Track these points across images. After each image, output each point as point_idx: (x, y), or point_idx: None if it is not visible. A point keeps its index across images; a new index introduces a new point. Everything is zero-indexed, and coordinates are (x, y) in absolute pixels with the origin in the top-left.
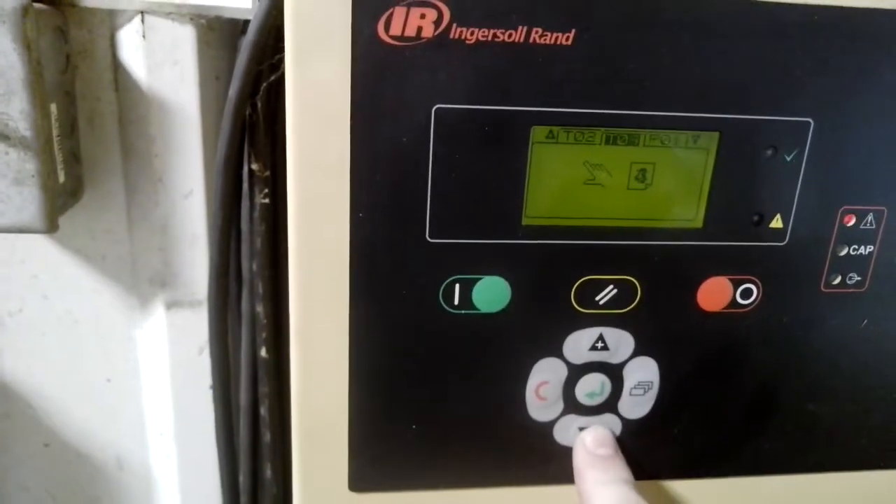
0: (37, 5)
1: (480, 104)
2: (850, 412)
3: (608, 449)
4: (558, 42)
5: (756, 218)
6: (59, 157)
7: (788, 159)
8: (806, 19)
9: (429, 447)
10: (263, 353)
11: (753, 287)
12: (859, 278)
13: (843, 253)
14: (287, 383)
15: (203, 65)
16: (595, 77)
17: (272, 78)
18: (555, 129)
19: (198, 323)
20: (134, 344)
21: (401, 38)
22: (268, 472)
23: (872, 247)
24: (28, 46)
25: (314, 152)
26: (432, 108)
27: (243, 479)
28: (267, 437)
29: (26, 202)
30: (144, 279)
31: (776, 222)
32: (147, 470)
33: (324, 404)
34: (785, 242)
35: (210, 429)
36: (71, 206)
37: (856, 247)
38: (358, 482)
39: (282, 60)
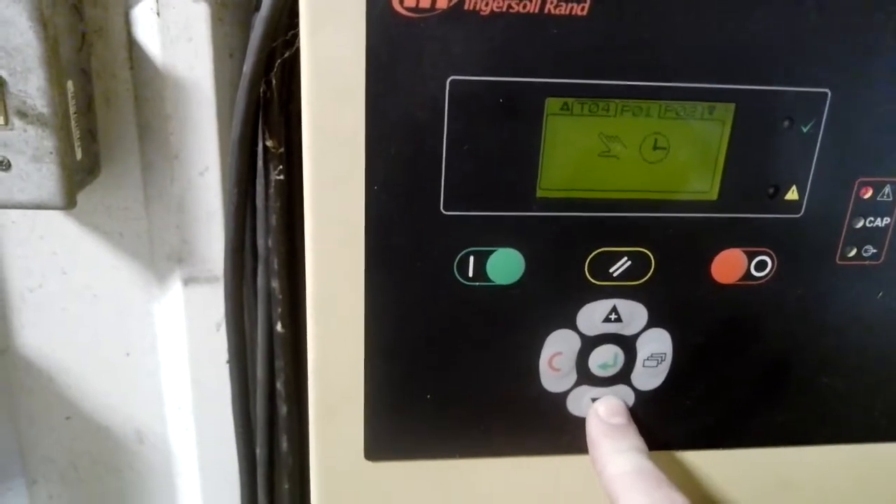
0: None
1: (495, 76)
2: (863, 384)
3: (621, 418)
4: (573, 12)
5: (771, 190)
6: (76, 134)
7: (805, 130)
8: None
9: (443, 417)
10: (279, 327)
11: (768, 259)
12: (875, 251)
13: (860, 225)
14: (303, 358)
15: (217, 42)
16: (610, 48)
17: (286, 54)
18: (569, 100)
19: (214, 298)
20: (152, 319)
21: (415, 9)
22: (284, 445)
23: (889, 219)
24: (44, 24)
25: (329, 126)
26: (447, 79)
27: (260, 451)
28: (283, 410)
29: (45, 179)
30: (162, 255)
31: (792, 194)
32: (166, 443)
33: (340, 375)
34: (800, 214)
35: (227, 403)
36: (88, 183)
37: (872, 219)
38: (374, 451)
39: (296, 36)
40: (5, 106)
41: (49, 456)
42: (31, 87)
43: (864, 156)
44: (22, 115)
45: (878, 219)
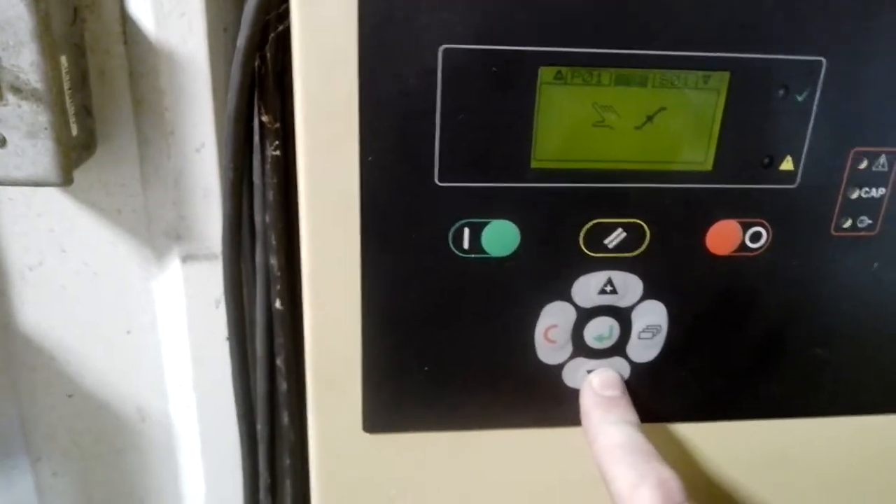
0: None
1: (488, 44)
2: (859, 356)
3: (615, 391)
4: None
5: (766, 160)
6: (70, 109)
7: (800, 100)
8: None
9: (440, 389)
10: (278, 304)
11: (763, 231)
12: (870, 222)
13: (855, 196)
14: (301, 334)
15: (211, 16)
16: (604, 16)
17: (280, 28)
18: (563, 69)
19: (213, 275)
20: (151, 297)
21: None
22: (284, 420)
23: (885, 189)
24: None
25: (322, 97)
26: (439, 48)
27: (261, 427)
28: (283, 386)
29: (40, 155)
30: (159, 232)
31: (786, 164)
32: (168, 420)
33: (337, 348)
34: (795, 185)
35: (228, 379)
36: (85, 159)
37: (867, 189)
38: (372, 424)
39: (288, 10)
40: None
41: (51, 433)
42: (24, 61)
43: (860, 125)
44: (16, 90)
45: (874, 189)
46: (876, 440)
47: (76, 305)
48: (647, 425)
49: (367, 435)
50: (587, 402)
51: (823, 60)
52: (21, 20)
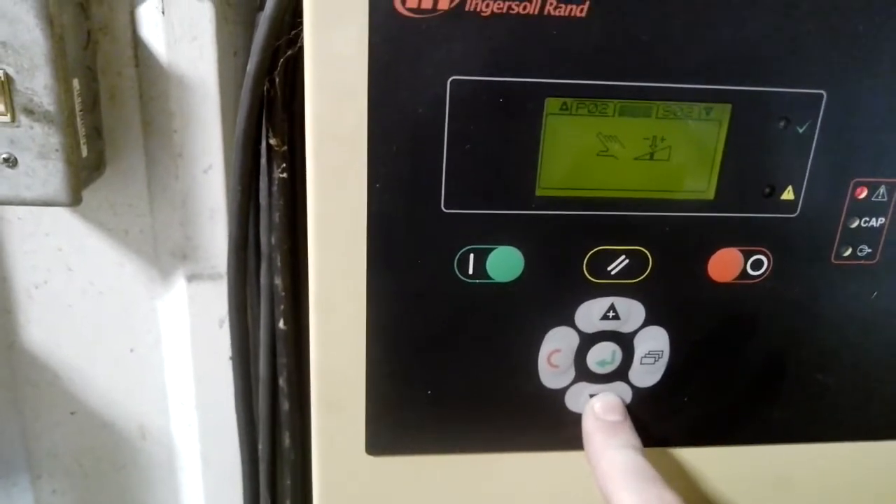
0: None
1: (495, 76)
2: (858, 383)
3: (617, 415)
4: (572, 14)
5: (767, 190)
6: (81, 131)
7: (801, 131)
8: None
9: (443, 413)
10: (282, 324)
11: (764, 258)
12: (870, 250)
13: (855, 225)
14: (305, 354)
15: (221, 40)
16: (608, 49)
17: (289, 53)
18: (568, 100)
19: (218, 295)
20: (156, 316)
21: (417, 10)
22: (286, 441)
23: (884, 219)
24: (51, 22)
25: (332, 124)
26: (448, 79)
27: (262, 447)
28: (285, 406)
29: (51, 176)
30: (166, 252)
31: (787, 194)
32: (169, 438)
33: (342, 370)
34: (796, 214)
35: (230, 399)
36: (94, 180)
37: (867, 219)
38: (375, 446)
39: (299, 35)
40: (12, 103)
41: (53, 451)
42: (38, 84)
43: (860, 156)
44: (29, 112)
45: (873, 219)
46: (876, 466)
47: (81, 324)
48: (649, 450)
49: (370, 457)
50: (589, 427)
51: (824, 93)
52: (36, 44)
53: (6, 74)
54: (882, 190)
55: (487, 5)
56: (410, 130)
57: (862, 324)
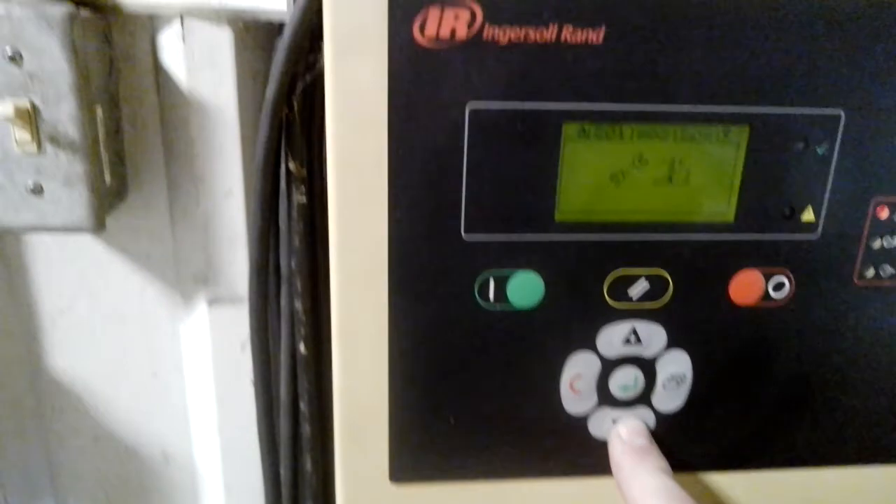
0: (83, 13)
1: (513, 103)
2: (884, 406)
3: (643, 439)
4: (589, 40)
5: (787, 211)
6: (104, 158)
7: (820, 152)
8: (835, 11)
9: (466, 440)
10: (302, 349)
11: (786, 280)
12: (893, 271)
13: (877, 245)
14: (325, 379)
15: (241, 66)
16: (625, 74)
17: (308, 78)
18: (586, 125)
19: (239, 319)
20: (178, 340)
21: (435, 39)
22: (308, 465)
23: None
24: (75, 52)
25: (353, 152)
26: (466, 107)
27: (284, 471)
28: (307, 430)
29: (75, 203)
30: (187, 277)
31: (808, 215)
32: (192, 463)
33: (364, 398)
34: (817, 235)
35: (252, 422)
36: (116, 206)
37: (890, 239)
38: (398, 474)
39: (317, 61)
40: (38, 132)
41: (77, 476)
42: (63, 113)
43: (880, 176)
44: (54, 140)
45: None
46: None
47: (104, 349)
48: (675, 475)
49: (394, 485)
50: (617, 453)
51: (842, 113)
52: (62, 75)
53: (33, 105)
54: None
55: (505, 34)
56: (430, 158)
57: (888, 345)
